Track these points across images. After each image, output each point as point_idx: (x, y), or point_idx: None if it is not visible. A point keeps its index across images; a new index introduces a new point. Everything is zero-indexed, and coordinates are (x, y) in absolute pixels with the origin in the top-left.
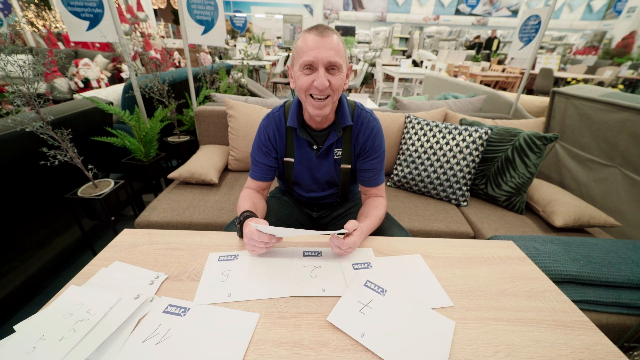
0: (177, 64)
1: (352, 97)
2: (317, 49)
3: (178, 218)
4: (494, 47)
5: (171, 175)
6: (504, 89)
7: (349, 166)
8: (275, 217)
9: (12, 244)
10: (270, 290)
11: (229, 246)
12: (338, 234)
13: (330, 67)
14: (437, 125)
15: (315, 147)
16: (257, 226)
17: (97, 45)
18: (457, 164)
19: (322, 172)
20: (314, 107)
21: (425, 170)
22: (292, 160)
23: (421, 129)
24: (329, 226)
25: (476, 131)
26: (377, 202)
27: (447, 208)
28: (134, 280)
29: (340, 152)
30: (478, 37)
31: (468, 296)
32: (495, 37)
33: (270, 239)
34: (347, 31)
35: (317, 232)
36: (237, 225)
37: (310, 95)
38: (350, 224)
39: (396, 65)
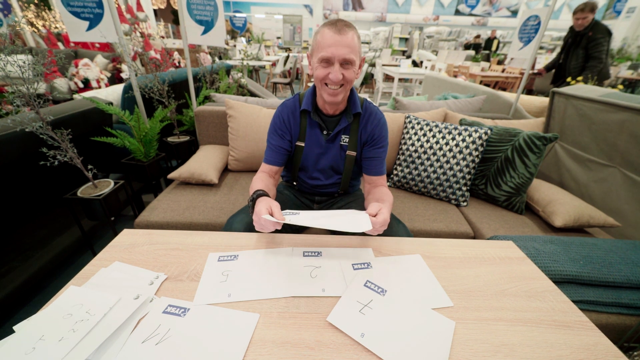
0: (177, 64)
1: None
2: (335, 46)
3: (178, 218)
4: (493, 48)
5: (171, 175)
6: (504, 89)
7: (354, 153)
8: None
9: (12, 244)
10: (270, 290)
11: (229, 246)
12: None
13: (345, 63)
14: (436, 126)
15: (325, 132)
16: (268, 217)
17: (97, 45)
18: (457, 164)
19: (328, 156)
20: (329, 94)
21: (425, 170)
22: (302, 144)
23: (421, 129)
24: None
25: (476, 131)
26: (385, 190)
27: (447, 208)
28: (134, 281)
29: (347, 139)
30: (478, 36)
31: (468, 296)
32: (495, 38)
33: (274, 225)
34: None
35: (333, 220)
36: (249, 202)
37: (326, 84)
38: (374, 207)
39: (396, 66)
